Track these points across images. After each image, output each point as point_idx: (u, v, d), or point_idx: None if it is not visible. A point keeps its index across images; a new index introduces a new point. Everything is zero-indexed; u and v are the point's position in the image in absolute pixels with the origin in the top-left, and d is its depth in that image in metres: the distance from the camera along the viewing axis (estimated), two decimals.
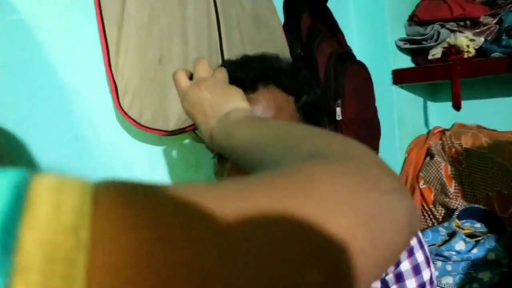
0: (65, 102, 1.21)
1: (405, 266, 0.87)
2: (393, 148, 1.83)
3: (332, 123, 1.51)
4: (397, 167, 1.83)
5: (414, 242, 0.89)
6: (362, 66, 1.60)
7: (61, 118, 1.20)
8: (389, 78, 1.81)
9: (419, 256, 0.89)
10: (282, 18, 1.61)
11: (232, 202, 0.29)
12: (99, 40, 1.17)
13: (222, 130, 0.62)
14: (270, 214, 0.28)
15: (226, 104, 0.66)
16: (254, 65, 0.86)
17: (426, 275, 0.89)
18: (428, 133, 1.88)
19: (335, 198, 0.33)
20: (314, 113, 0.90)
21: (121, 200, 0.25)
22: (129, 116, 1.19)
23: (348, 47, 1.67)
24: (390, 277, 0.87)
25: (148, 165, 1.35)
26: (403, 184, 0.42)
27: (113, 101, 1.19)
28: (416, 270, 0.88)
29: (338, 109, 1.50)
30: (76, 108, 1.22)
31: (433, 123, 1.92)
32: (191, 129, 1.27)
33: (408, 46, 1.83)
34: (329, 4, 1.66)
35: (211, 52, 1.30)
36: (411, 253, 0.88)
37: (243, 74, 0.82)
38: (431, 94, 1.93)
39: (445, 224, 1.58)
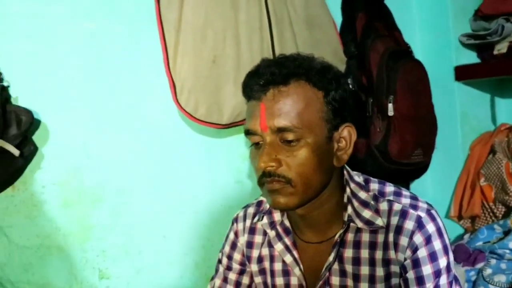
0: (132, 97, 1.43)
1: (422, 252, 0.96)
2: (455, 144, 1.88)
3: (383, 119, 1.60)
4: (458, 164, 1.87)
5: (432, 230, 0.98)
6: (417, 64, 1.68)
7: (128, 111, 1.42)
8: (451, 74, 1.86)
9: (437, 244, 0.97)
10: (339, 18, 1.73)
11: None
12: (159, 43, 1.37)
13: None
14: None
15: None
16: (288, 63, 0.99)
17: (442, 262, 0.97)
18: (495, 130, 1.90)
19: None
20: (341, 108, 1.01)
21: None
22: (185, 111, 1.38)
23: (406, 44, 1.75)
24: (408, 263, 0.97)
25: (206, 155, 1.54)
26: None
27: (172, 97, 1.38)
28: (433, 257, 0.96)
29: (390, 105, 1.59)
30: (141, 103, 1.44)
31: (501, 120, 1.94)
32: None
33: (472, 41, 1.86)
34: (391, 2, 1.75)
35: (263, 52, 1.45)
36: (428, 240, 0.97)
37: (277, 70, 0.96)
38: (499, 90, 1.94)
39: (501, 222, 1.61)
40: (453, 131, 1.87)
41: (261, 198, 1.13)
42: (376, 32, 1.67)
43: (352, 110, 1.05)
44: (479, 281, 1.54)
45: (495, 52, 1.83)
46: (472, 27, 1.90)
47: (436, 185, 1.93)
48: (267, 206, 1.10)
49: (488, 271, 1.55)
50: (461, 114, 1.87)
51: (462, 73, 1.85)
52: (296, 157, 0.92)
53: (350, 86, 1.64)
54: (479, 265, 1.58)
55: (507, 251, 1.54)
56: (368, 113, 1.63)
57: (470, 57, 1.89)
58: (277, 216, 1.08)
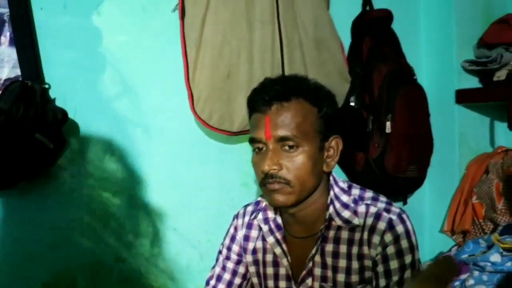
0: (155, 103, 1.65)
1: (390, 250, 1.15)
2: (453, 163, 2.05)
3: (381, 136, 1.79)
4: (454, 182, 2.04)
5: (401, 231, 1.17)
6: (417, 86, 1.86)
7: (151, 115, 1.65)
8: (452, 97, 2.03)
9: (404, 243, 1.16)
10: (348, 41, 1.92)
11: None
12: (181, 57, 1.59)
13: None
14: None
15: None
16: (289, 82, 1.20)
17: (408, 259, 1.16)
18: (492, 152, 2.07)
19: None
20: (332, 122, 1.21)
21: None
22: (200, 118, 1.60)
23: (410, 67, 1.93)
24: (378, 258, 1.16)
25: (216, 159, 1.75)
26: None
27: (189, 106, 1.60)
28: (399, 254, 1.16)
29: (388, 123, 1.78)
30: (162, 109, 1.67)
31: (498, 143, 2.10)
32: None
33: (474, 67, 2.03)
34: (400, 28, 1.94)
35: (273, 70, 1.66)
36: (396, 240, 1.16)
37: (280, 88, 1.16)
38: (498, 114, 2.11)
39: (485, 237, 1.78)
40: (451, 150, 2.05)
41: (260, 198, 1.34)
42: (381, 55, 1.86)
43: (340, 123, 1.26)
44: None
45: (495, 78, 1.99)
46: (475, 54, 2.07)
47: (432, 201, 2.10)
48: (263, 205, 1.30)
49: (471, 281, 1.72)
50: (459, 135, 2.05)
51: (463, 97, 2.03)
52: (295, 162, 1.13)
53: (353, 104, 1.83)
54: (463, 276, 1.75)
55: (489, 263, 1.70)
56: (368, 129, 1.82)
57: (472, 82, 2.07)
58: (271, 213, 1.29)
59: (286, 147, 1.13)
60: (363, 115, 1.84)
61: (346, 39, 1.91)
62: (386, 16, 1.91)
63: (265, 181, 1.15)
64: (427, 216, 2.11)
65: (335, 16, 1.82)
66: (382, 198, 1.23)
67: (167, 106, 1.68)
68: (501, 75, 1.97)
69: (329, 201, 1.20)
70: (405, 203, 2.00)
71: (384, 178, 1.81)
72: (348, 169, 1.89)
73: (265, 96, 1.15)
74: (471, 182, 2.01)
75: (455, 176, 2.05)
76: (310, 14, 1.74)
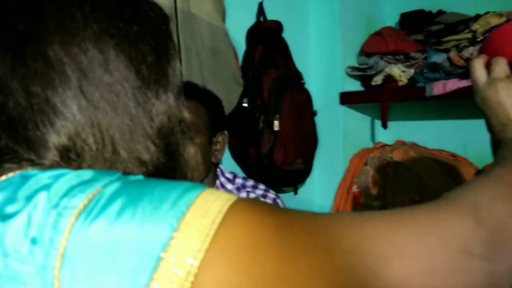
0: None
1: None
2: (338, 157, 2.37)
3: (271, 133, 2.07)
4: (339, 174, 2.36)
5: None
6: (303, 90, 2.16)
7: None
8: (337, 99, 2.35)
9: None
10: (243, 48, 2.20)
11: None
12: None
13: (505, 151, 0.71)
14: None
15: None
16: (187, 86, 1.45)
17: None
18: (372, 147, 2.40)
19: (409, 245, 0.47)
20: (218, 120, 1.47)
21: (249, 205, 0.47)
22: None
23: (298, 72, 2.23)
24: None
25: None
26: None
27: None
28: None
29: (276, 122, 2.06)
30: None
31: (379, 139, 2.44)
32: None
33: (356, 73, 2.36)
34: (291, 37, 2.23)
35: None
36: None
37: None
38: (378, 114, 2.44)
39: None
40: (337, 146, 2.37)
41: None
42: (272, 61, 2.14)
43: (226, 122, 1.53)
44: None
45: (373, 83, 2.33)
46: (357, 61, 2.40)
47: (321, 191, 2.41)
48: None
49: None
50: (344, 133, 2.37)
51: (346, 99, 2.35)
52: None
53: (246, 105, 2.11)
54: None
55: None
56: (259, 127, 2.10)
57: (354, 86, 2.40)
58: None
59: None
60: (255, 115, 2.12)
61: (241, 47, 2.18)
62: (277, 27, 2.19)
63: None
64: (317, 205, 2.41)
65: (232, 26, 2.09)
66: (261, 186, 1.51)
67: None
68: (377, 80, 2.31)
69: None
70: (295, 193, 2.30)
71: (274, 171, 2.09)
72: (242, 163, 2.16)
73: None
74: (353, 174, 2.33)
75: (340, 169, 2.36)
76: (206, 26, 1.99)
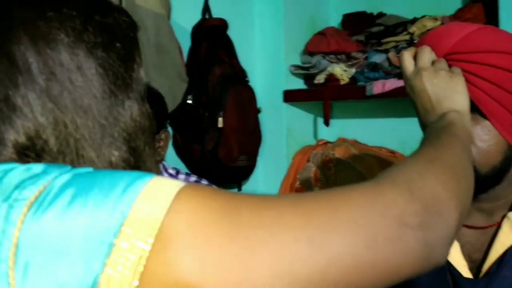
0: None
1: None
2: (281, 154, 2.43)
3: (215, 130, 2.10)
4: (283, 170, 2.41)
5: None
6: (246, 87, 2.21)
7: None
8: (280, 97, 2.40)
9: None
10: (188, 45, 2.21)
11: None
12: None
13: (429, 133, 0.78)
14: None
15: (445, 100, 0.81)
16: None
17: None
18: (315, 144, 2.47)
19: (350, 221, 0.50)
20: (162, 118, 1.49)
21: (194, 189, 0.49)
22: None
23: (242, 70, 2.27)
24: None
25: None
26: (443, 226, 0.55)
27: None
28: None
29: (220, 119, 2.09)
30: None
31: (321, 136, 2.51)
32: None
33: (299, 71, 2.42)
34: (236, 35, 2.26)
35: None
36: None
37: None
38: (321, 112, 2.50)
39: None
40: (280, 143, 2.42)
41: None
42: (217, 58, 2.17)
43: (168, 118, 1.54)
44: None
45: (315, 81, 2.39)
46: (300, 60, 2.46)
47: (265, 187, 2.46)
48: None
49: None
50: (287, 130, 2.43)
51: (289, 96, 2.41)
52: None
53: (191, 102, 2.13)
54: None
55: None
56: (204, 124, 2.12)
57: (298, 84, 2.46)
58: None
59: None
60: (200, 112, 2.14)
61: (186, 44, 2.20)
62: (222, 24, 2.22)
63: None
64: None
65: (177, 22, 2.10)
66: (204, 182, 1.54)
67: None
68: (320, 78, 2.37)
69: None
70: (239, 189, 2.34)
71: (218, 167, 2.13)
72: (187, 160, 2.18)
73: None
74: (296, 170, 2.39)
75: (283, 165, 2.42)
76: (151, 23, 1.99)
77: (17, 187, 0.47)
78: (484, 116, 0.90)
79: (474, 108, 0.88)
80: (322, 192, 0.55)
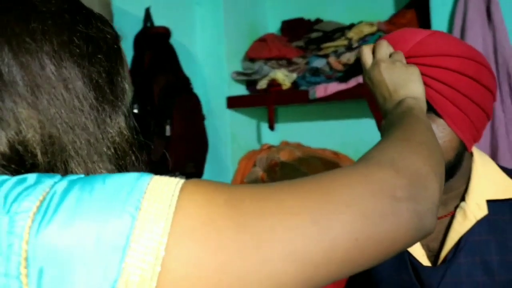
0: None
1: None
2: (226, 159, 2.46)
3: (162, 138, 2.11)
4: (229, 175, 2.45)
5: None
6: (191, 95, 2.23)
7: None
8: (224, 103, 2.44)
9: None
10: (131, 54, 2.21)
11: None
12: None
13: (391, 119, 0.81)
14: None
15: (401, 88, 0.85)
16: None
17: None
18: (259, 149, 2.52)
19: (345, 200, 0.54)
20: None
21: (195, 184, 0.51)
22: None
23: (186, 78, 2.28)
24: None
25: None
26: (429, 196, 0.60)
27: None
28: None
29: (168, 127, 2.10)
30: None
31: (265, 141, 2.57)
32: None
33: (242, 78, 2.47)
34: (179, 43, 2.27)
35: None
36: None
37: None
38: (263, 117, 2.57)
39: None
40: (225, 148, 2.46)
41: None
42: (160, 67, 2.18)
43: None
44: None
45: (258, 87, 2.45)
46: (242, 66, 2.51)
47: None
48: None
49: None
50: (231, 135, 2.47)
51: (232, 102, 2.45)
52: None
53: (137, 111, 2.12)
54: None
55: None
56: (151, 133, 2.12)
57: (240, 90, 2.50)
58: None
59: None
60: (147, 120, 2.14)
61: (128, 53, 2.19)
62: (165, 32, 2.23)
63: None
64: None
65: (118, 30, 2.09)
66: None
67: None
68: (262, 84, 2.43)
69: None
70: None
71: (166, 175, 2.13)
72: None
73: None
74: (242, 175, 2.43)
75: (229, 170, 2.46)
76: None
77: (15, 199, 0.46)
78: (438, 114, 0.98)
79: (430, 108, 0.95)
80: (313, 177, 0.57)
